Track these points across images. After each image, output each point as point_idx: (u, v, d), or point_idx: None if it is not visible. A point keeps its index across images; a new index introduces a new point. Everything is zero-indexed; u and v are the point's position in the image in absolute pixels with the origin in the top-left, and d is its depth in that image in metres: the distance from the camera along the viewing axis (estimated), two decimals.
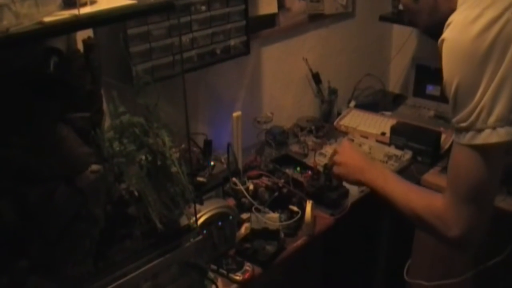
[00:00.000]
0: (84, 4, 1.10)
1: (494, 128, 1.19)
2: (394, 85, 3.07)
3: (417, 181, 2.15)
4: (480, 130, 1.21)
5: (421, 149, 2.27)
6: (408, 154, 2.28)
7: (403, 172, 2.20)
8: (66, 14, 1.07)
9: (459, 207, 1.29)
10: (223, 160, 2.03)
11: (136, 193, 1.33)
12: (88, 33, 1.48)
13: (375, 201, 2.08)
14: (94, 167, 1.41)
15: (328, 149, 2.21)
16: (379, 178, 1.57)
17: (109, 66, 1.65)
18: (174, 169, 1.32)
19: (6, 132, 1.27)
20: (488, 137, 1.20)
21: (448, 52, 1.24)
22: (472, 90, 1.20)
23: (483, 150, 1.22)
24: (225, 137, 2.08)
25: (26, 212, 1.28)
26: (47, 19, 1.03)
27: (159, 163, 1.33)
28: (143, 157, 1.34)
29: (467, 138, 1.23)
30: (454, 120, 1.25)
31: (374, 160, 1.63)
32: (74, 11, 1.07)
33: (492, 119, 1.19)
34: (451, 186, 1.31)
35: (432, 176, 2.17)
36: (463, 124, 1.22)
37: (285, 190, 1.90)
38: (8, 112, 1.27)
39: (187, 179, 1.38)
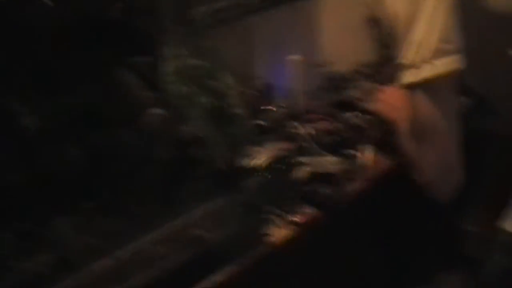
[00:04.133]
0: None
1: (430, 61, 1.25)
2: None
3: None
4: (418, 66, 1.27)
5: None
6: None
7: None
8: None
9: (417, 148, 1.28)
10: (283, 104, 2.03)
11: (199, 135, 1.35)
12: None
13: None
14: (158, 110, 1.44)
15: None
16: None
17: (170, 10, 1.66)
18: (236, 110, 1.34)
19: (74, 78, 1.30)
20: (426, 72, 1.26)
21: None
22: (409, 26, 1.28)
23: (424, 86, 1.27)
24: (284, 81, 2.08)
25: (95, 155, 1.32)
26: None
27: (221, 104, 1.34)
28: (205, 100, 1.36)
29: (408, 76, 1.29)
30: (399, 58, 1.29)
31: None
32: None
33: (428, 53, 1.24)
34: (410, 128, 1.30)
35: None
36: (405, 61, 1.29)
37: (345, 134, 1.89)
38: (75, 58, 1.30)
39: (249, 121, 1.40)
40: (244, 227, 1.49)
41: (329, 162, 1.75)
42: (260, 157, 1.61)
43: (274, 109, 2.00)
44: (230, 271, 1.50)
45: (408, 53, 1.20)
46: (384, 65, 2.52)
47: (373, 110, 2.03)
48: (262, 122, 1.90)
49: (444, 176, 1.29)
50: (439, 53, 1.17)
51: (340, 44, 2.48)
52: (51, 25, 1.20)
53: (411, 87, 1.23)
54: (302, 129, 1.88)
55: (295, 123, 1.91)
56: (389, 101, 1.63)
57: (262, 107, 1.97)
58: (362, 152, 1.82)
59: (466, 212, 2.45)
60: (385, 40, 2.55)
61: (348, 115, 2.09)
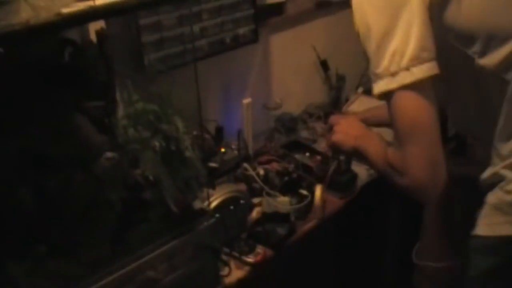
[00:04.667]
0: None
1: (407, 69, 1.22)
2: None
3: None
4: (394, 74, 1.24)
5: None
6: None
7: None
8: (81, 5, 1.11)
9: (402, 151, 1.33)
10: (233, 146, 2.07)
11: (151, 178, 1.36)
12: (100, 24, 1.51)
13: (384, 184, 2.12)
14: (109, 154, 1.45)
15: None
16: (366, 143, 1.58)
17: (122, 56, 1.69)
18: (188, 153, 1.36)
19: (25, 121, 1.31)
20: (403, 79, 1.23)
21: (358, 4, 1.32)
22: (384, 37, 1.24)
23: (402, 92, 1.25)
24: (236, 124, 2.12)
25: (45, 199, 1.32)
26: (65, 10, 1.07)
27: (173, 148, 1.37)
28: (157, 143, 1.38)
29: (382, 84, 1.26)
30: (371, 70, 1.29)
31: (372, 130, 1.68)
32: (90, 2, 1.11)
33: (405, 60, 1.22)
34: (394, 133, 1.35)
35: None
36: (378, 71, 1.26)
37: (295, 175, 1.94)
38: (27, 102, 1.31)
39: (200, 164, 1.42)
40: (198, 269, 1.50)
41: (280, 202, 1.78)
42: (212, 199, 1.63)
43: (226, 151, 2.04)
44: None
45: (383, 63, 1.25)
46: (334, 107, 2.60)
47: (323, 149, 2.08)
48: (214, 165, 1.93)
49: (432, 172, 1.34)
50: (415, 60, 1.23)
51: (291, 86, 2.55)
52: (2, 69, 1.21)
53: (387, 95, 1.29)
54: (253, 171, 1.92)
55: (246, 165, 1.95)
56: (345, 130, 1.69)
57: (214, 150, 2.00)
58: (313, 191, 1.86)
59: (417, 246, 2.51)
60: (334, 82, 2.64)
61: (298, 156, 2.14)
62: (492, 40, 1.29)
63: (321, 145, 2.17)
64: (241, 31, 2.09)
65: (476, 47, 1.31)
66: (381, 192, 2.14)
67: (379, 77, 1.26)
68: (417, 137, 1.30)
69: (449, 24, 1.32)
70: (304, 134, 2.38)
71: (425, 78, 1.24)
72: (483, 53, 1.31)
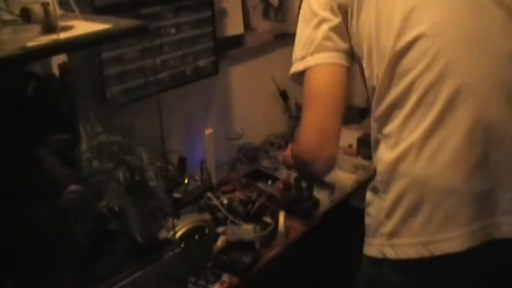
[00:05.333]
0: (62, 30, 1.16)
1: (312, 54, 1.41)
2: (359, 99, 3.16)
3: None
4: (303, 58, 1.43)
5: None
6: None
7: (372, 180, 2.28)
8: (45, 39, 1.12)
9: (302, 117, 1.45)
10: (197, 177, 2.09)
11: (116, 209, 1.37)
12: (62, 57, 1.53)
13: (346, 210, 2.17)
14: (73, 187, 1.45)
15: None
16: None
17: (85, 89, 1.70)
18: (152, 183, 1.37)
19: None
20: (307, 62, 1.42)
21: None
22: (300, 35, 1.46)
23: (309, 72, 1.43)
24: (198, 155, 2.14)
25: (10, 232, 1.31)
26: (30, 44, 1.08)
27: (137, 179, 1.38)
28: (122, 174, 1.39)
29: (293, 67, 1.47)
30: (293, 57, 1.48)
31: None
32: (54, 36, 1.12)
33: (312, 47, 1.41)
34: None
35: None
36: (293, 59, 1.47)
37: (258, 203, 1.96)
38: None
39: (165, 194, 1.44)
40: None
41: (244, 231, 1.80)
42: (177, 228, 1.64)
43: (189, 182, 2.05)
44: None
45: (296, 52, 1.46)
46: (294, 135, 2.65)
47: (285, 179, 2.12)
48: (177, 195, 1.94)
49: (318, 139, 1.41)
50: (320, 48, 1.40)
51: (252, 116, 2.58)
52: None
53: (298, 77, 1.45)
54: (217, 200, 1.94)
55: (210, 195, 1.96)
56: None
57: (177, 181, 2.01)
58: (276, 218, 1.88)
59: None
60: (294, 111, 2.69)
61: (261, 184, 2.17)
62: None
63: (283, 174, 2.20)
64: (201, 63, 2.13)
65: None
66: (342, 218, 2.18)
67: (292, 63, 1.47)
68: (313, 105, 1.42)
69: None
70: (265, 163, 2.41)
71: (328, 63, 1.40)
72: None
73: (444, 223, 1.32)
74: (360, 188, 2.26)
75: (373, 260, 1.44)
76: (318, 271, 2.25)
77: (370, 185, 1.46)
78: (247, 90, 2.53)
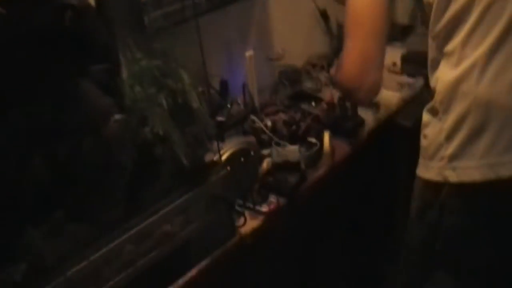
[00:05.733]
0: None
1: None
2: (402, 16, 3.07)
3: None
4: None
5: None
6: (420, 81, 2.31)
7: (417, 98, 2.24)
8: None
9: (345, 44, 1.39)
10: (239, 101, 2.07)
11: (161, 133, 1.37)
12: None
13: (391, 128, 2.14)
14: (117, 116, 1.46)
15: None
16: None
17: (122, 17, 1.68)
18: (195, 105, 1.37)
19: (30, 89, 1.31)
20: None
21: None
22: None
23: None
24: (240, 78, 2.12)
25: (58, 165, 1.34)
26: None
27: (180, 101, 1.38)
28: (164, 99, 1.39)
29: None
30: None
31: None
32: None
33: None
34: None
35: None
36: None
37: (302, 124, 1.95)
38: (30, 69, 1.32)
39: (208, 116, 1.44)
40: (213, 220, 1.53)
41: (289, 152, 1.80)
42: (222, 151, 1.65)
43: (232, 105, 2.04)
44: (204, 265, 1.54)
45: None
46: (336, 56, 2.60)
47: (329, 99, 2.09)
48: (221, 118, 1.94)
49: (362, 66, 1.39)
50: None
51: (292, 38, 2.54)
52: (3, 36, 1.21)
53: None
54: (261, 122, 1.93)
55: (254, 117, 1.96)
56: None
57: (220, 104, 2.01)
58: (320, 139, 1.87)
59: None
60: (335, 31, 2.63)
61: (304, 106, 2.15)
62: None
63: (326, 94, 2.18)
64: None
65: None
66: (389, 136, 2.15)
67: None
68: (355, 31, 1.38)
69: None
70: (308, 84, 2.38)
71: None
72: None
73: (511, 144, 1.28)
74: (405, 106, 2.23)
75: (431, 183, 1.41)
76: (365, 190, 2.25)
77: (428, 106, 1.41)
78: (286, 10, 2.47)
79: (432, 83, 1.40)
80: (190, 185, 1.45)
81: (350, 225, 2.19)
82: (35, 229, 1.28)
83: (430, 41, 1.38)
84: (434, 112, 1.38)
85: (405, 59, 2.40)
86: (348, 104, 2.06)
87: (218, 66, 2.16)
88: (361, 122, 2.05)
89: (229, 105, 2.03)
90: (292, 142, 1.87)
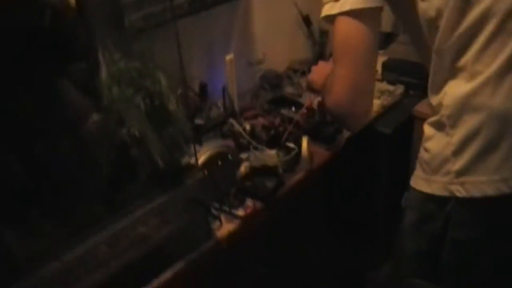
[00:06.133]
0: None
1: None
2: (384, 24, 3.08)
3: (410, 113, 2.21)
4: (336, 0, 1.37)
5: (413, 82, 2.32)
6: (400, 89, 2.33)
7: (396, 105, 2.26)
8: None
9: (333, 73, 1.39)
10: (219, 104, 2.08)
11: (137, 134, 1.37)
12: None
13: (370, 135, 2.15)
14: (95, 116, 1.46)
15: None
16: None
17: (101, 17, 1.68)
18: (172, 107, 1.37)
19: (8, 88, 1.31)
20: (342, 5, 1.35)
21: None
22: None
23: (342, 18, 1.37)
24: (220, 82, 2.12)
25: (35, 164, 1.33)
26: None
27: (157, 103, 1.37)
28: (141, 100, 1.38)
29: (326, 9, 1.39)
30: None
31: None
32: None
33: None
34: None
35: (423, 106, 2.18)
36: None
37: (281, 128, 1.95)
38: (9, 67, 1.31)
39: (185, 119, 1.43)
40: (190, 223, 1.53)
41: (267, 156, 1.80)
42: (200, 154, 1.65)
43: (211, 108, 2.04)
44: (179, 268, 1.53)
45: None
46: (317, 61, 2.61)
47: (308, 104, 2.10)
48: (200, 121, 1.94)
49: (353, 96, 1.39)
50: None
51: (274, 43, 2.55)
52: None
53: (330, 19, 1.41)
54: (240, 126, 1.93)
55: (233, 121, 1.96)
56: (319, 70, 1.86)
57: (199, 107, 2.01)
58: (299, 144, 1.88)
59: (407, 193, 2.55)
60: (317, 37, 2.64)
61: (284, 110, 2.15)
62: None
63: (306, 99, 2.19)
64: None
65: None
66: (367, 143, 2.17)
67: (325, 2, 1.39)
68: (346, 59, 1.37)
69: None
70: (289, 89, 2.39)
71: (363, 8, 1.34)
72: None
73: None
74: (385, 113, 2.24)
75: (434, 198, 1.39)
76: (343, 196, 2.26)
77: (431, 120, 1.39)
78: (269, 15, 2.48)
79: (436, 98, 1.37)
80: (167, 187, 1.45)
81: (328, 231, 2.19)
82: (9, 228, 1.28)
83: (434, 56, 1.36)
84: (439, 126, 1.37)
85: (386, 66, 2.41)
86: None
87: (199, 68, 2.17)
88: (340, 128, 2.06)
89: (208, 108, 2.03)
90: (271, 146, 1.87)
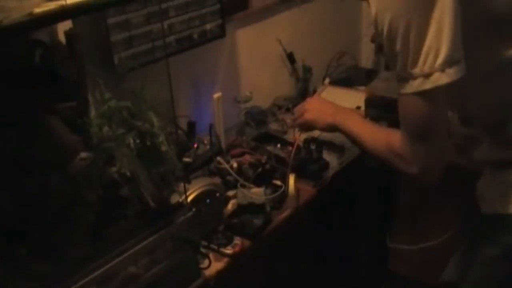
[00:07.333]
0: None
1: (442, 70, 1.19)
2: (366, 60, 3.15)
3: None
4: (428, 75, 1.20)
5: (395, 119, 2.34)
6: (384, 124, 2.35)
7: None
8: (52, 5, 1.11)
9: (414, 147, 1.33)
10: (206, 141, 2.09)
11: (128, 174, 1.37)
12: (68, 24, 1.52)
13: (355, 171, 2.17)
14: (84, 154, 1.46)
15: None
16: (347, 120, 1.66)
17: (92, 56, 1.70)
18: (163, 148, 1.38)
19: None
20: (437, 80, 1.20)
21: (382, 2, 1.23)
22: (415, 34, 1.19)
23: (429, 92, 1.22)
24: (207, 119, 2.14)
25: (23, 201, 1.32)
26: (37, 10, 1.07)
27: (148, 143, 1.38)
28: (132, 140, 1.39)
29: (415, 85, 1.22)
30: (398, 69, 1.25)
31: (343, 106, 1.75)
32: (61, 2, 1.11)
33: (439, 61, 1.18)
34: (404, 128, 1.36)
35: None
36: (411, 71, 1.22)
37: (268, 166, 1.96)
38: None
39: (176, 158, 1.44)
40: (179, 262, 1.52)
41: (254, 194, 1.81)
42: (188, 193, 1.65)
43: (199, 146, 2.05)
44: None
45: (416, 63, 1.20)
46: (302, 98, 2.63)
47: (294, 141, 2.12)
48: (188, 159, 1.95)
49: (441, 164, 1.36)
50: (450, 62, 1.18)
51: (259, 79, 2.58)
52: None
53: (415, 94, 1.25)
54: (227, 164, 1.94)
55: (220, 158, 1.97)
56: (317, 108, 1.78)
57: (187, 145, 2.02)
58: (285, 181, 1.89)
59: (391, 230, 2.57)
60: (301, 73, 2.67)
61: (270, 147, 2.17)
62: None
63: (291, 136, 2.20)
64: (208, 26, 2.11)
65: None
66: (353, 180, 2.19)
67: (412, 76, 1.22)
68: (429, 137, 1.30)
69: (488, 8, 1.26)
70: (274, 126, 2.40)
71: (454, 80, 1.21)
72: None
73: None
74: None
75: None
76: (329, 233, 2.27)
77: None
78: (254, 53, 2.52)
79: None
80: (156, 226, 1.45)
81: (315, 267, 2.19)
82: None
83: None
84: None
85: (369, 103, 2.44)
86: (313, 146, 2.09)
87: (186, 106, 2.18)
88: (326, 165, 2.08)
89: (195, 146, 2.04)
90: (258, 184, 1.88)
